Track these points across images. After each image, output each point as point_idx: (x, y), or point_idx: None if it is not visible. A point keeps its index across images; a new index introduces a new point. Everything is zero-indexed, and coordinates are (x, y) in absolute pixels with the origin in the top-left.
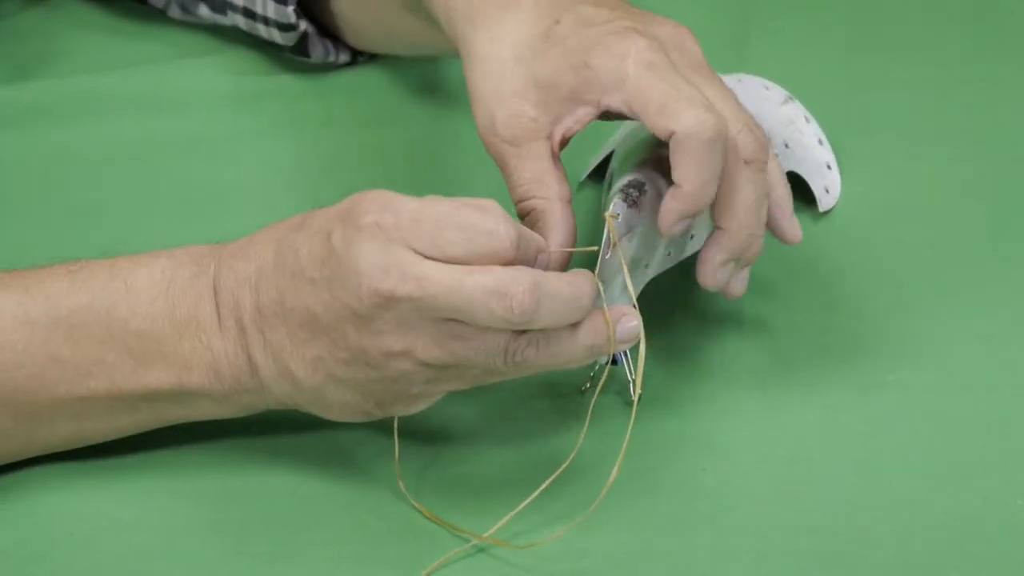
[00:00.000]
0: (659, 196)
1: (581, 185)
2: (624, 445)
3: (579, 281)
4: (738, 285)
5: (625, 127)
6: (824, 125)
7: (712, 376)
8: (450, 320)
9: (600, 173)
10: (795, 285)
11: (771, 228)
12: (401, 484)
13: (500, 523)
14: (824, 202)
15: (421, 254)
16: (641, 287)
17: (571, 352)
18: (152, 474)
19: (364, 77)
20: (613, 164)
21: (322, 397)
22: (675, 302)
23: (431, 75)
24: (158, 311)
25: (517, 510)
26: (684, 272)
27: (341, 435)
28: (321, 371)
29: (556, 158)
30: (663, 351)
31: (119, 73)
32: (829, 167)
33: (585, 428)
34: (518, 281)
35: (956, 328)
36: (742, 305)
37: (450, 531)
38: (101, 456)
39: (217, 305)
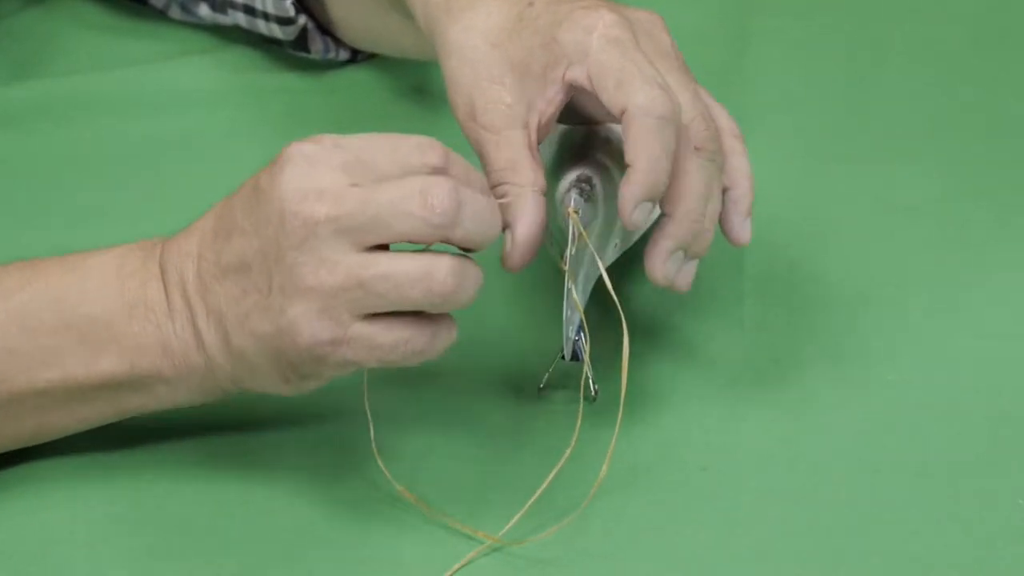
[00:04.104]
0: (603, 192)
1: None
2: (612, 443)
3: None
4: (684, 278)
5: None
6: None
7: (712, 376)
8: (373, 248)
9: None
10: (795, 285)
11: (721, 223)
12: (381, 462)
13: (510, 523)
14: None
15: (345, 174)
16: (593, 281)
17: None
18: (152, 474)
19: (365, 74)
20: (547, 161)
21: (244, 355)
22: (674, 302)
23: (431, 72)
24: (108, 295)
25: (525, 508)
26: None
27: (342, 434)
28: (247, 326)
29: (533, 147)
30: (663, 350)
31: (119, 73)
32: None
33: (578, 426)
34: (438, 183)
35: (956, 328)
36: (742, 305)
37: (445, 527)
38: (100, 456)
39: (165, 284)
